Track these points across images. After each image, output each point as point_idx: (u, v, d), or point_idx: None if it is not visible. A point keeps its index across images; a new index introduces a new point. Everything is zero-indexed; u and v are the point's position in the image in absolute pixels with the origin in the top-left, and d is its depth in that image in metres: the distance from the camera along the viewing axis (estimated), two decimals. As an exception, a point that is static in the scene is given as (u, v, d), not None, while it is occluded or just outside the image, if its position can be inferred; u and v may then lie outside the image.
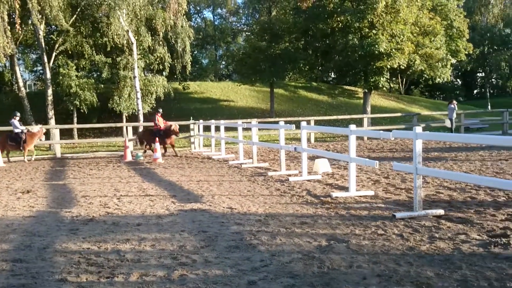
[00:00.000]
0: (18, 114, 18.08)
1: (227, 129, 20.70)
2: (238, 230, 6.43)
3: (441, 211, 7.08)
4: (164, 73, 30.03)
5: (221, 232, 6.33)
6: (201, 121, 21.66)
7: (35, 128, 18.57)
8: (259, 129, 20.93)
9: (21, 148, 17.61)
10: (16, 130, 17.46)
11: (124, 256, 5.39)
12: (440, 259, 5.02)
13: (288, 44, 34.44)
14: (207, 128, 21.60)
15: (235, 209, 7.82)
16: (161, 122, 18.20)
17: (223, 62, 55.27)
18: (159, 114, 18.43)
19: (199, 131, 21.16)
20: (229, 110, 36.42)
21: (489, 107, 49.32)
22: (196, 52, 48.99)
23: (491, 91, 60.50)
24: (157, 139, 16.90)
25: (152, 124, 18.98)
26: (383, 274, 4.63)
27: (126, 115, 28.02)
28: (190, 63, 29.31)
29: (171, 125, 18.02)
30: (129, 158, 17.40)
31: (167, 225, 6.85)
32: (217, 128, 19.78)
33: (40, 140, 18.75)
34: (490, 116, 34.63)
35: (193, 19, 53.23)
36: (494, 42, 51.54)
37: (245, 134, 18.50)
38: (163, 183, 11.20)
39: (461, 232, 6.04)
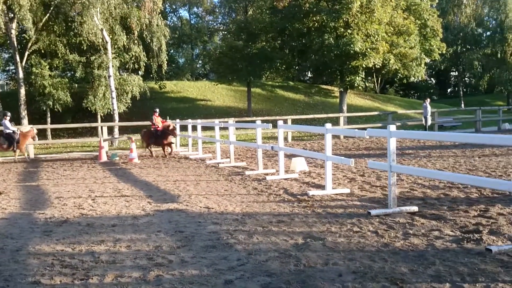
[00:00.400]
0: (9, 114, 17.60)
1: (204, 128, 20.61)
2: (215, 229, 6.41)
3: (415, 208, 7.18)
4: (139, 72, 29.80)
5: (198, 232, 6.30)
6: (178, 120, 21.50)
7: (26, 128, 18.02)
8: (236, 129, 20.89)
9: (13, 148, 17.14)
10: (7, 131, 16.97)
11: (99, 258, 5.32)
12: (414, 255, 5.09)
13: (264, 43, 34.54)
14: (184, 128, 21.47)
15: (212, 208, 7.79)
16: (158, 122, 17.71)
17: (200, 61, 55.07)
18: (156, 114, 18.04)
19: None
20: (206, 110, 36.31)
21: (463, 105, 50.38)
22: (172, 51, 48.68)
23: (464, 90, 61.74)
24: (132, 138, 16.65)
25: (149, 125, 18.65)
26: (358, 270, 4.68)
27: (101, 114, 27.68)
28: (166, 62, 29.16)
29: (169, 125, 17.54)
30: (104, 158, 17.17)
31: (143, 226, 6.78)
32: (194, 128, 19.67)
33: (33, 140, 18.27)
34: (464, 114, 35.35)
35: (169, 17, 52.93)
36: (467, 42, 52.55)
37: (222, 133, 18.42)
38: (139, 183, 11.09)
39: (434, 228, 6.14)
